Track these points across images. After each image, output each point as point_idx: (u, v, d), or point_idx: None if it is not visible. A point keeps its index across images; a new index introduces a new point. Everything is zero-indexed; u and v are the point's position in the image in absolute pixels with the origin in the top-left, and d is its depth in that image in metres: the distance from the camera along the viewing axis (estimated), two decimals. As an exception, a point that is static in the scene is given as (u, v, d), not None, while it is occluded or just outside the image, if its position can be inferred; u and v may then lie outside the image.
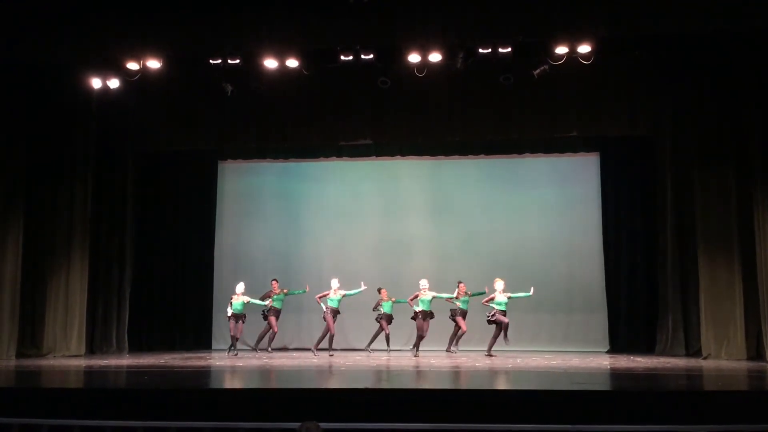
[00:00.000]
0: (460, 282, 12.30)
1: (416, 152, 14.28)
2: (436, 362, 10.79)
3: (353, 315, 13.06)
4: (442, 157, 14.28)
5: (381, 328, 12.57)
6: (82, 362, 11.16)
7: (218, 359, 11.65)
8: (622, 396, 7.02)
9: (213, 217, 14.68)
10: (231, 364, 10.60)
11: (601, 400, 6.71)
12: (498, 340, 11.86)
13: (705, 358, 11.13)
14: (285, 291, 12.61)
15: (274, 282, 12.72)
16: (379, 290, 12.64)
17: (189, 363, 10.67)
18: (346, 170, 14.64)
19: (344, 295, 12.19)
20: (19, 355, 11.84)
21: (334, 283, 12.20)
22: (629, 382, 8.22)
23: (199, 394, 7.19)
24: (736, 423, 5.86)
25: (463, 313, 12.22)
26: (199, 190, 14.68)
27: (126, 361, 11.41)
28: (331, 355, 11.93)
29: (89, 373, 9.70)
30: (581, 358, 11.53)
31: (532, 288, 11.84)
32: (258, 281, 14.04)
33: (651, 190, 12.93)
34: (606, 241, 13.58)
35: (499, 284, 11.82)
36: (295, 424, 4.59)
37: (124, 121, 13.30)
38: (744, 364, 10.31)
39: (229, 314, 12.39)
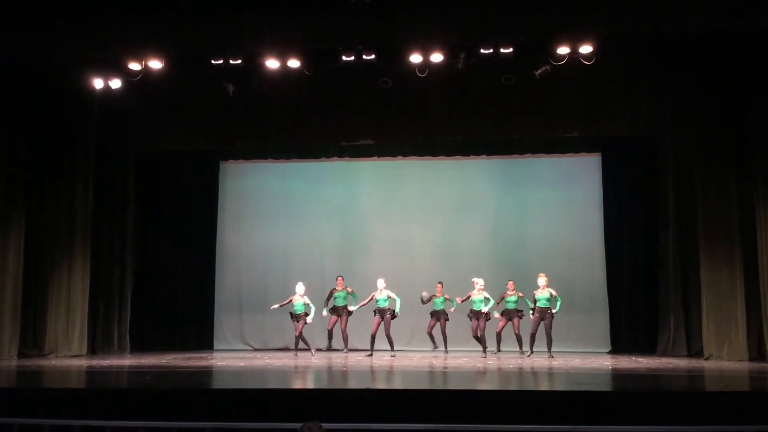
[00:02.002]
0: (509, 280, 12.26)
1: (417, 152, 14.26)
2: (438, 363, 10.78)
3: (355, 314, 13.01)
4: (444, 157, 14.26)
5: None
6: (84, 362, 11.17)
7: (220, 359, 11.65)
8: (624, 397, 7.02)
9: (214, 217, 14.67)
10: (233, 364, 10.60)
11: (602, 401, 6.71)
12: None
13: (707, 359, 11.11)
14: (349, 289, 12.28)
15: (339, 278, 12.50)
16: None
17: (190, 363, 10.67)
18: (347, 170, 14.63)
19: (390, 297, 12.10)
20: (21, 355, 11.86)
21: (380, 283, 12.16)
22: (631, 383, 8.22)
23: (201, 395, 7.20)
24: (737, 424, 5.86)
25: (508, 313, 12.12)
26: (201, 190, 14.68)
27: (127, 361, 11.42)
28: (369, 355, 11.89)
29: (91, 373, 9.71)
30: (582, 359, 11.53)
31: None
32: (259, 282, 14.07)
33: (652, 190, 12.92)
34: (607, 242, 13.56)
35: (541, 280, 11.76)
36: (297, 425, 4.59)
37: (126, 121, 13.30)
38: (746, 365, 10.30)
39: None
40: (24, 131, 12.08)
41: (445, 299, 12.20)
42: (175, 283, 14.33)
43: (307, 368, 10.14)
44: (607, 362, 11.05)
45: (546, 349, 11.68)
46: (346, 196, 14.51)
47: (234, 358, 11.72)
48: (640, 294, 13.15)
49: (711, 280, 11.30)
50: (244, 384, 8.49)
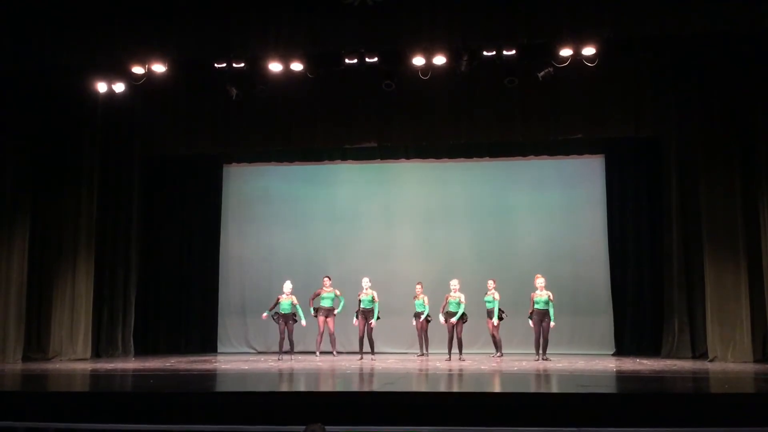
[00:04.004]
0: (490, 280, 12.20)
1: (421, 155, 14.30)
2: (441, 365, 10.77)
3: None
4: (447, 159, 14.29)
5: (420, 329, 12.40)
6: (88, 366, 11.18)
7: (224, 362, 11.66)
8: (628, 399, 7.01)
9: (218, 220, 14.70)
10: (236, 367, 10.61)
11: (606, 403, 6.70)
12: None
13: (711, 361, 11.09)
14: (337, 292, 12.24)
15: (325, 279, 12.49)
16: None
17: (194, 366, 10.68)
18: (350, 173, 14.64)
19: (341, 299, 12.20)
20: (26, 358, 11.90)
21: (365, 281, 12.16)
22: (635, 385, 8.20)
23: (205, 398, 7.19)
24: (742, 426, 5.85)
25: (489, 313, 12.04)
26: (205, 193, 14.72)
27: (132, 364, 11.43)
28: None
29: (95, 376, 9.72)
30: (587, 361, 11.51)
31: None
32: (263, 284, 14.06)
33: (656, 192, 12.91)
34: (611, 243, 13.55)
35: (539, 281, 11.62)
36: (300, 427, 4.60)
37: (130, 125, 13.34)
38: (750, 367, 10.27)
39: (273, 315, 12.19)
40: (29, 135, 12.12)
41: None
42: (179, 286, 14.36)
43: (311, 371, 10.14)
44: (611, 364, 11.02)
45: (541, 352, 11.58)
46: (349, 198, 14.52)
47: (238, 361, 11.73)
48: (644, 296, 13.13)
49: (715, 281, 11.27)
50: (248, 387, 8.49)
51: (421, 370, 10.16)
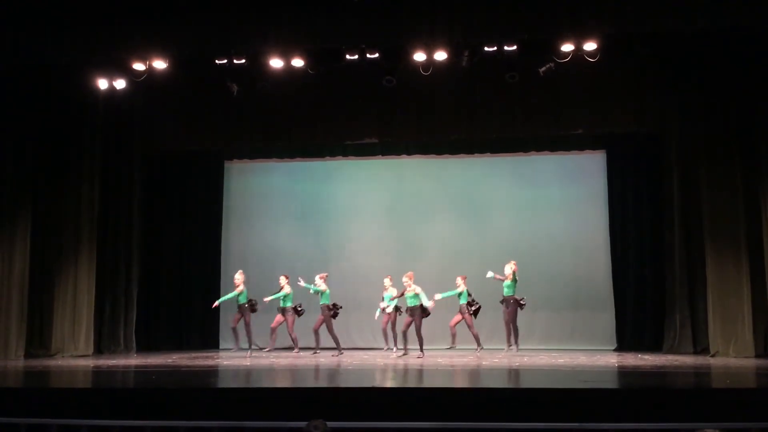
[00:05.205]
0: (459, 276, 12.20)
1: (422, 151, 14.28)
2: (443, 361, 10.78)
3: (358, 313, 13.05)
4: (448, 155, 14.26)
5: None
6: (90, 362, 11.21)
7: (226, 358, 11.67)
8: (630, 394, 7.02)
9: (219, 216, 14.69)
10: (238, 363, 10.62)
11: (608, 398, 6.70)
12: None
13: (713, 356, 11.09)
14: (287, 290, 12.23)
15: (283, 276, 12.45)
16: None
17: (196, 362, 10.70)
18: (352, 169, 14.63)
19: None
20: (28, 355, 11.92)
21: (317, 279, 12.08)
22: (637, 380, 8.21)
23: (207, 394, 7.21)
24: (744, 421, 5.85)
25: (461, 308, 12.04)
26: (206, 189, 14.71)
27: (134, 360, 11.45)
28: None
29: (97, 372, 9.75)
30: (588, 356, 11.50)
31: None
32: (264, 280, 14.06)
33: (658, 188, 12.89)
34: (613, 239, 13.53)
35: (507, 268, 11.60)
36: (302, 423, 4.60)
37: (131, 122, 13.34)
38: (752, 362, 10.28)
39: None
40: (30, 133, 12.13)
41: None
42: (181, 282, 14.36)
43: (312, 367, 10.16)
44: (613, 359, 11.04)
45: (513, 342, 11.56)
46: (350, 194, 14.51)
47: (239, 357, 11.73)
48: (645, 291, 13.12)
49: (717, 276, 11.27)
50: (250, 383, 8.51)
51: (422, 365, 10.16)
